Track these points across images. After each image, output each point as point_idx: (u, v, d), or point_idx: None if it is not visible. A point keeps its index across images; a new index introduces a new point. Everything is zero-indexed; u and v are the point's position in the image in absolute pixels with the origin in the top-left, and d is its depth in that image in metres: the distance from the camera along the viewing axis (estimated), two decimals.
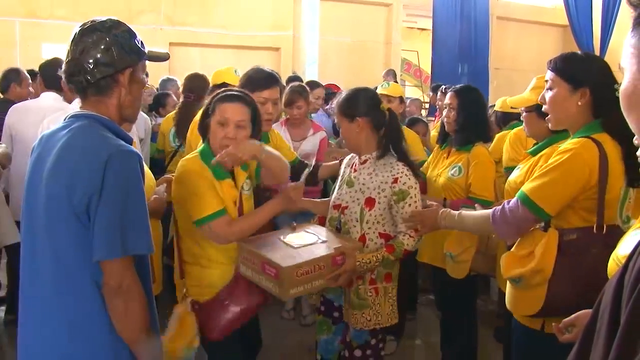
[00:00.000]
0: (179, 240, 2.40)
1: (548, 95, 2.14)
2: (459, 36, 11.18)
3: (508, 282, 2.16)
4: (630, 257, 0.86)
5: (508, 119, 4.47)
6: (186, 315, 2.26)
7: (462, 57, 11.23)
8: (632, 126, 0.87)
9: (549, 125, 2.19)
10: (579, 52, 2.17)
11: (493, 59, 11.62)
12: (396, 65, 11.26)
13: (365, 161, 2.53)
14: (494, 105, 5.06)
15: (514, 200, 2.08)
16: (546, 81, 2.17)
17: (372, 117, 2.48)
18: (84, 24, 1.66)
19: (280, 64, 10.30)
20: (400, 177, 2.42)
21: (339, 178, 2.68)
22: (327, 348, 2.72)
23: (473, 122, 3.17)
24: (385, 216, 2.46)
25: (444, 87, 5.87)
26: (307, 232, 2.47)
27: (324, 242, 2.38)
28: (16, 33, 8.46)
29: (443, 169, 3.25)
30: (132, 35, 1.69)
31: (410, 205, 2.42)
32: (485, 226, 2.19)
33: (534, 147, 2.59)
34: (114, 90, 1.66)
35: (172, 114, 4.60)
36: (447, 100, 3.28)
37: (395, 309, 2.54)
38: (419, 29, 13.81)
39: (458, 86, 3.35)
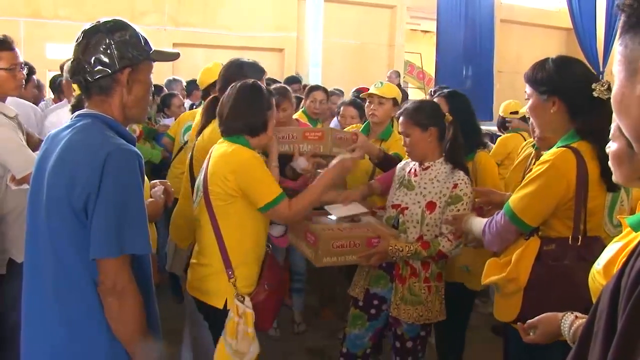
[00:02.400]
0: (223, 242, 2.35)
1: (528, 105, 2.16)
2: (463, 38, 11.18)
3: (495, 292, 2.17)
4: (627, 262, 0.87)
5: (509, 124, 4.49)
6: (249, 315, 2.31)
7: (466, 59, 11.22)
8: (624, 131, 0.87)
9: (536, 131, 2.18)
10: (551, 57, 2.15)
11: (496, 61, 11.61)
12: (399, 67, 11.26)
13: (427, 167, 2.64)
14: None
15: (498, 214, 2.10)
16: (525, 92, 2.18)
17: (440, 127, 2.62)
18: (89, 25, 1.68)
19: (284, 66, 10.33)
20: (460, 183, 2.54)
21: (396, 180, 2.78)
22: (356, 343, 2.77)
23: (466, 129, 2.97)
24: (442, 220, 2.59)
25: (431, 90, 5.87)
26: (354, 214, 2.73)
27: (364, 224, 2.67)
28: (20, 33, 8.48)
29: None
30: (135, 35, 1.69)
31: (459, 210, 2.52)
32: (479, 234, 2.24)
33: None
34: (115, 89, 1.67)
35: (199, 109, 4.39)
36: None
37: (444, 306, 2.67)
38: (422, 31, 13.84)
39: (446, 91, 3.29)
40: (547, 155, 2.02)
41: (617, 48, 0.85)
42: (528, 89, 2.14)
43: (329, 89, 5.78)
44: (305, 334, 4.21)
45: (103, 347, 1.60)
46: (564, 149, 1.99)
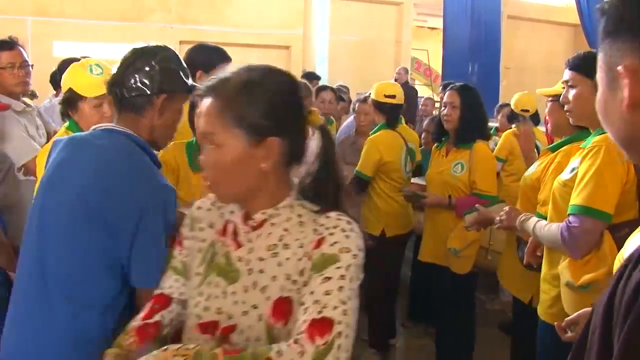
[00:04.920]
0: None
1: (571, 94, 2.14)
2: (470, 35, 11.14)
3: (567, 290, 2.08)
4: (619, 277, 0.81)
5: (519, 117, 4.47)
6: None
7: (472, 56, 11.19)
8: (612, 138, 0.88)
9: (571, 120, 2.19)
10: (595, 50, 2.18)
11: (503, 58, 11.57)
12: (406, 64, 11.23)
13: (261, 223, 1.26)
14: (506, 104, 5.06)
15: (572, 219, 2.01)
16: (565, 81, 2.17)
17: (288, 136, 1.22)
18: (140, 45, 1.75)
19: (290, 63, 10.31)
20: (335, 233, 1.20)
21: (181, 256, 1.39)
22: None
23: (475, 121, 3.19)
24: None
25: (442, 84, 5.87)
26: None
27: None
28: (27, 31, 8.51)
29: (444, 167, 3.26)
30: (179, 66, 1.76)
31: (329, 279, 1.15)
32: (557, 244, 2.10)
33: (554, 144, 2.59)
34: (147, 110, 1.70)
35: None
36: (446, 98, 3.25)
37: None
38: (429, 27, 13.81)
39: (458, 84, 3.34)
40: (598, 141, 2.02)
41: (599, 54, 0.84)
42: (573, 77, 2.13)
43: (334, 85, 5.80)
44: None
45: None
46: None
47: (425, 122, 4.29)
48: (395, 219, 3.68)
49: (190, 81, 1.80)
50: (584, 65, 2.10)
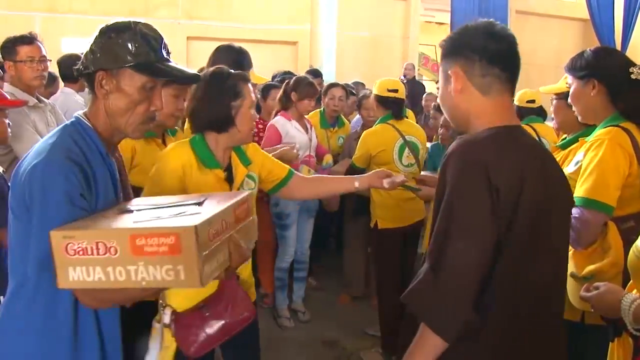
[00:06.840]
0: None
1: (570, 93, 2.22)
2: None
3: (572, 281, 2.04)
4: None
5: (525, 113, 4.42)
6: (167, 331, 2.00)
7: None
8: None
9: (579, 118, 2.24)
10: (592, 48, 2.23)
11: None
12: (413, 59, 11.20)
13: None
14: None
15: (574, 211, 1.96)
16: (567, 84, 2.27)
17: None
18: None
19: (298, 58, 10.32)
20: None
21: None
22: None
23: None
24: None
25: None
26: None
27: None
28: (36, 28, 8.55)
29: None
30: (129, 40, 1.54)
31: None
32: None
33: (563, 140, 2.59)
34: (96, 91, 1.58)
35: None
36: None
37: None
38: (436, 23, 13.74)
39: None
40: (599, 134, 2.05)
41: (440, 67, 1.51)
42: (569, 79, 2.22)
43: (349, 82, 5.78)
44: (320, 324, 4.23)
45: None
46: (614, 127, 2.04)
47: (442, 119, 4.28)
48: (387, 211, 3.69)
49: (166, 58, 1.60)
50: (571, 65, 2.19)
